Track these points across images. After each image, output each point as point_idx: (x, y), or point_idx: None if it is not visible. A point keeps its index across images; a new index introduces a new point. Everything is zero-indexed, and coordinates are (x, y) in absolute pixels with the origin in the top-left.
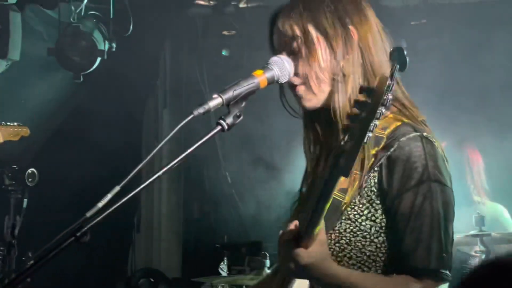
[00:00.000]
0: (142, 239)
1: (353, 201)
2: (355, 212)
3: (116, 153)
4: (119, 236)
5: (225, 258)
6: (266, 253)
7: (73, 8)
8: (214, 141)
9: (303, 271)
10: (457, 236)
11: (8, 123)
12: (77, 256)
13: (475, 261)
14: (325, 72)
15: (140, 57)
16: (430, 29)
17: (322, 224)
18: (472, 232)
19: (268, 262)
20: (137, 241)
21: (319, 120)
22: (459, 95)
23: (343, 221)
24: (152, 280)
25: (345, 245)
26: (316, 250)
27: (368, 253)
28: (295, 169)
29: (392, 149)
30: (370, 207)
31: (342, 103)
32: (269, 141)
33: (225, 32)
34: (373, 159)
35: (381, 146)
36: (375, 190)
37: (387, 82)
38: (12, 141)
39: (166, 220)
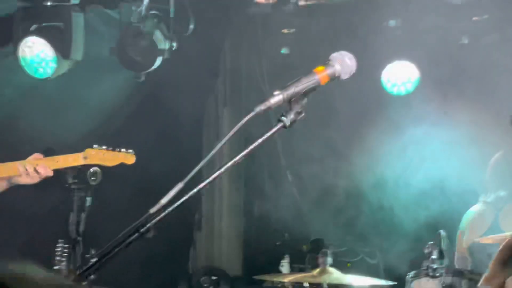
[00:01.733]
0: (203, 237)
1: None
2: None
3: (178, 151)
4: (181, 234)
5: (286, 256)
6: (327, 250)
7: (134, 8)
8: (274, 138)
9: None
10: None
11: (119, 150)
12: (140, 254)
13: None
14: None
15: (200, 56)
16: (493, 24)
17: None
18: None
19: (329, 260)
20: (198, 239)
21: None
22: None
23: None
24: (213, 278)
25: None
26: None
27: None
28: (356, 167)
29: None
30: None
31: None
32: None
33: (284, 30)
34: None
35: None
36: None
37: None
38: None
39: (227, 218)
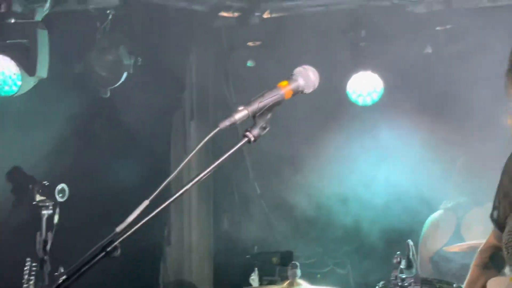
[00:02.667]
0: (173, 252)
1: None
2: None
3: (144, 166)
4: (150, 249)
5: (256, 269)
6: (296, 262)
7: (98, 24)
8: (242, 152)
9: None
10: None
11: None
12: (109, 270)
13: None
14: None
15: (166, 70)
16: (456, 34)
17: None
18: None
19: (299, 272)
20: (168, 254)
21: None
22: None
23: None
24: None
25: None
26: None
27: None
28: (323, 179)
29: None
30: None
31: None
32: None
33: (250, 43)
34: None
35: None
36: None
37: None
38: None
39: (196, 232)
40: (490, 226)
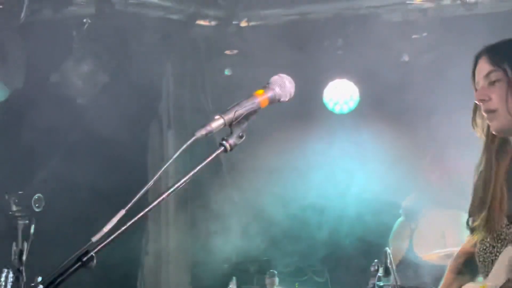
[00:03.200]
0: (151, 261)
1: None
2: None
3: (121, 176)
4: (127, 259)
5: (234, 278)
6: (274, 271)
7: (74, 33)
8: (219, 160)
9: None
10: None
11: None
12: (86, 280)
13: None
14: None
15: (143, 79)
16: (432, 42)
17: None
18: None
19: (277, 280)
20: (146, 263)
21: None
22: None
23: None
24: None
25: None
26: None
27: None
28: (300, 188)
29: None
30: None
31: None
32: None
33: (227, 52)
34: None
35: None
36: None
37: None
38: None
39: (174, 241)
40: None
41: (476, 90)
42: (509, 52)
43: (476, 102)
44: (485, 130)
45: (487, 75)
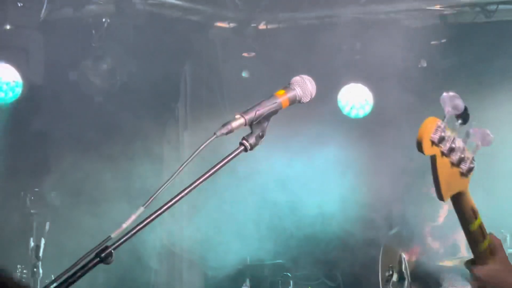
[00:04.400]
0: (164, 262)
1: None
2: None
3: (138, 175)
4: (142, 260)
5: (248, 280)
6: (288, 274)
7: (93, 32)
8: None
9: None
10: None
11: None
12: (101, 281)
13: None
14: None
15: (160, 79)
16: (450, 48)
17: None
18: None
19: (291, 283)
20: (159, 264)
21: None
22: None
23: None
24: None
25: None
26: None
27: None
28: (315, 192)
29: None
30: None
31: None
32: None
33: (245, 54)
34: None
35: None
36: None
37: None
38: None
39: (187, 242)
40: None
41: None
42: None
43: None
44: None
45: None
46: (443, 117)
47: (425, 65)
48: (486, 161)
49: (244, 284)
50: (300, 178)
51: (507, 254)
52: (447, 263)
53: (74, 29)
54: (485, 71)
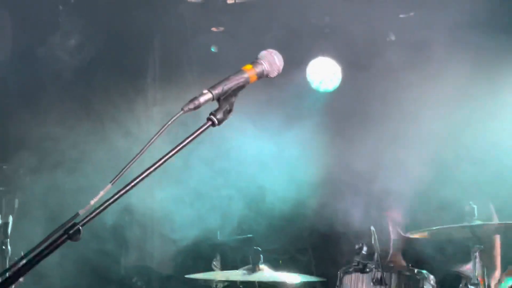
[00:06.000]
0: (135, 237)
1: None
2: None
3: (108, 152)
4: (112, 235)
5: (218, 255)
6: (259, 248)
7: (60, 7)
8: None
9: None
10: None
11: None
12: (71, 255)
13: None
14: None
15: (129, 55)
16: (419, 22)
17: None
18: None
19: (261, 257)
20: (130, 239)
21: None
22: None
23: None
24: (145, 278)
25: None
26: None
27: None
28: (286, 166)
29: None
30: None
31: None
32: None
33: (213, 29)
34: None
35: None
36: None
37: None
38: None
39: (158, 217)
40: None
41: None
42: None
43: None
44: None
45: None
46: None
47: (393, 38)
48: (456, 131)
49: (214, 259)
50: (271, 154)
51: (474, 226)
52: (418, 234)
53: (40, 4)
54: (453, 43)
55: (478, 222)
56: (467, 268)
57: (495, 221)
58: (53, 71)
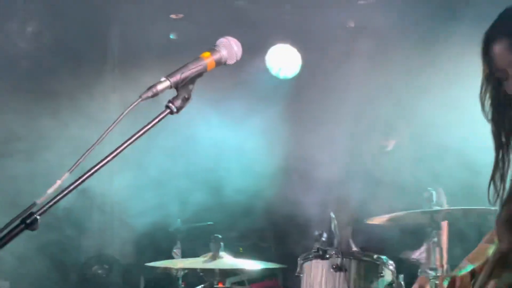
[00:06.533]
0: (95, 225)
1: None
2: None
3: (66, 140)
4: (71, 223)
5: (178, 242)
6: (219, 236)
7: None
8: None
9: None
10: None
11: None
12: (29, 245)
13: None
14: None
15: (88, 42)
16: (379, 8)
17: None
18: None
19: (222, 245)
20: (90, 227)
21: None
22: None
23: None
24: (106, 266)
25: None
26: None
27: None
28: (244, 153)
29: None
30: None
31: None
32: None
33: (173, 16)
34: None
35: None
36: None
37: None
38: None
39: (118, 205)
40: None
41: (491, 74)
42: None
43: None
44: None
45: None
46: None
47: (352, 25)
48: (413, 114)
49: (174, 247)
50: (231, 141)
51: (431, 211)
52: (376, 220)
53: None
54: (415, 31)
55: (437, 208)
56: (419, 254)
57: (445, 206)
58: (10, 58)
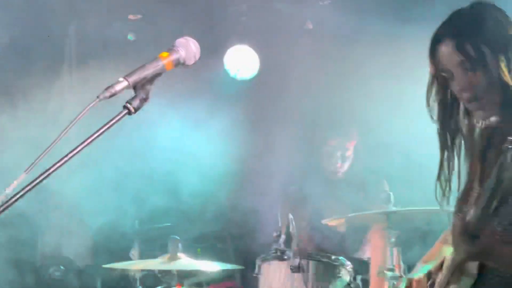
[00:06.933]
0: (51, 227)
1: None
2: None
3: (23, 139)
4: (27, 224)
5: (136, 243)
6: (177, 237)
7: None
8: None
9: None
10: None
11: None
12: None
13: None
14: None
15: (45, 41)
16: (337, 9)
17: None
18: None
19: (180, 246)
20: (46, 229)
21: None
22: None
23: None
24: (62, 268)
25: None
26: None
27: None
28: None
29: None
30: None
31: None
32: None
33: (131, 16)
34: None
35: None
36: None
37: None
38: None
39: (75, 206)
40: None
41: (437, 73)
42: (479, 32)
43: (456, 93)
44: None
45: (462, 63)
46: None
47: (311, 26)
48: (368, 116)
49: (132, 248)
50: (190, 144)
51: (391, 212)
52: (333, 221)
53: None
54: (376, 32)
55: (394, 209)
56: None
57: (391, 205)
58: None
